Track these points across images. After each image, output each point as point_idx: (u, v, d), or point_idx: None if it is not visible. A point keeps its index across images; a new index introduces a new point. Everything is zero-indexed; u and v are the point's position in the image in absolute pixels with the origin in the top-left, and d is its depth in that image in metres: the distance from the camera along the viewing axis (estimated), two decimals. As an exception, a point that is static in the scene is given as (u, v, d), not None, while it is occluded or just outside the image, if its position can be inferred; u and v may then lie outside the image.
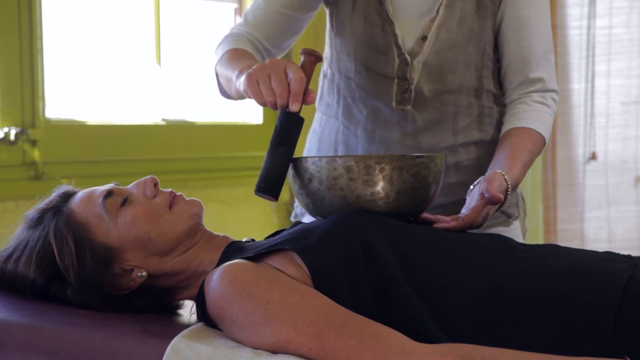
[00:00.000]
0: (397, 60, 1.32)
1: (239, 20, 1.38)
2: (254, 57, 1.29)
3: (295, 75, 1.04)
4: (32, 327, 0.99)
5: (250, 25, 1.35)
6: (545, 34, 1.36)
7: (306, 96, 1.06)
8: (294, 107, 1.05)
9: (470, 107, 1.35)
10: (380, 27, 1.32)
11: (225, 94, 1.32)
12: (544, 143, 1.33)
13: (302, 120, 1.08)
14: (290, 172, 1.12)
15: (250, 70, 1.07)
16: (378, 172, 1.06)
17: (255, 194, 1.09)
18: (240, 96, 1.21)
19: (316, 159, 1.08)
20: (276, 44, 1.37)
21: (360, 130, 1.37)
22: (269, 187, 1.07)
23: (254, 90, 1.06)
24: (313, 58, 1.09)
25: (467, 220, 1.12)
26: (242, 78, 1.08)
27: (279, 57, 1.39)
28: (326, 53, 1.43)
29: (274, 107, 1.07)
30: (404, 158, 1.07)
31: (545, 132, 1.33)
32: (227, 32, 1.37)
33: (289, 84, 1.05)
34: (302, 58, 1.11)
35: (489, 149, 1.35)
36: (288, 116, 1.07)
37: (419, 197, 1.10)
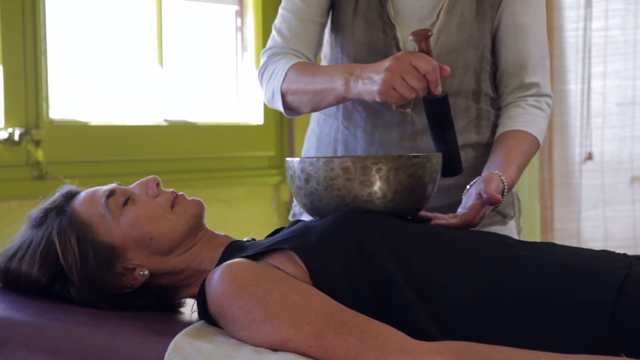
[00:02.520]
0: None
1: (274, 37, 1.36)
2: (322, 65, 1.31)
3: (428, 67, 1.11)
4: (35, 325, 1.00)
5: (289, 40, 1.34)
6: (542, 40, 1.36)
7: (442, 71, 1.13)
8: (437, 91, 1.13)
9: (469, 109, 1.36)
10: (382, 30, 1.33)
11: (290, 111, 1.31)
12: (538, 146, 1.34)
13: (447, 98, 1.17)
14: (288, 172, 1.13)
15: (379, 81, 1.12)
16: (375, 172, 1.07)
17: (444, 176, 1.18)
18: (334, 104, 1.26)
19: (314, 159, 1.08)
20: (314, 53, 1.37)
21: (360, 132, 1.38)
22: (458, 168, 1.20)
23: (394, 97, 1.12)
24: (426, 37, 1.15)
25: (465, 219, 1.13)
26: (373, 90, 1.13)
27: None
28: (326, 52, 1.43)
29: (413, 99, 1.14)
30: (401, 158, 1.08)
31: (540, 136, 1.34)
32: (264, 55, 1.35)
33: (423, 76, 1.11)
34: (415, 45, 1.16)
35: (485, 151, 1.36)
36: (436, 102, 1.16)
37: (416, 197, 1.10)
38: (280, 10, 1.37)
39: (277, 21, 1.37)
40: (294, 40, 1.34)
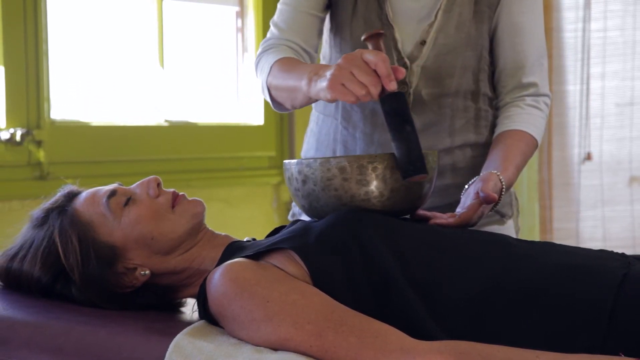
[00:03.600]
0: (396, 64, 1.32)
1: (271, 30, 1.36)
2: (304, 62, 1.27)
3: (377, 59, 1.03)
4: (37, 325, 1.00)
5: (284, 32, 1.34)
6: (539, 40, 1.36)
7: (395, 72, 1.04)
8: (391, 86, 1.03)
9: (467, 109, 1.36)
10: (380, 31, 1.34)
11: (278, 106, 1.30)
12: (537, 146, 1.34)
13: (404, 94, 1.07)
14: (286, 174, 1.13)
15: (328, 76, 1.05)
16: (371, 171, 1.07)
17: (406, 180, 1.07)
18: (306, 103, 1.21)
19: (310, 160, 1.09)
20: (312, 45, 1.36)
21: (359, 132, 1.38)
22: (418, 166, 1.07)
23: (343, 93, 1.04)
24: (377, 36, 1.09)
25: (463, 218, 1.13)
26: (323, 85, 1.06)
27: (313, 59, 1.37)
28: (325, 53, 1.43)
29: (369, 98, 1.04)
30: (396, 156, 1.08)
31: (538, 135, 1.34)
32: (261, 46, 1.36)
33: (374, 71, 1.03)
34: (369, 44, 1.10)
35: (484, 151, 1.36)
36: (392, 97, 1.06)
37: (413, 195, 1.10)
38: (278, 6, 1.38)
39: (275, 15, 1.38)
40: (290, 32, 1.34)
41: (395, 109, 1.06)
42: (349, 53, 1.06)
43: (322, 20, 1.37)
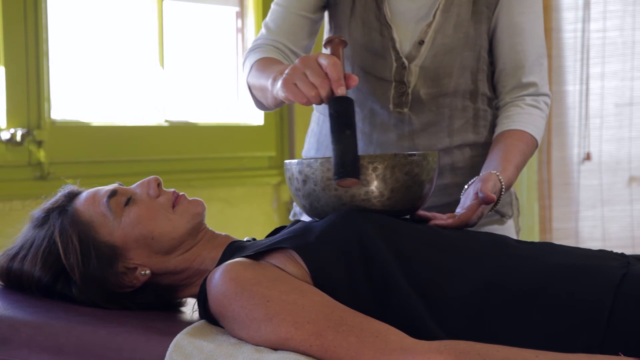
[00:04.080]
0: (394, 64, 1.33)
1: (261, 30, 1.38)
2: (282, 62, 1.28)
3: (328, 62, 1.03)
4: (37, 324, 1.00)
5: (273, 32, 1.36)
6: (539, 40, 1.37)
7: (347, 79, 1.05)
8: (339, 91, 1.04)
9: (466, 109, 1.36)
10: (378, 32, 1.33)
11: (260, 105, 1.32)
12: (537, 145, 1.34)
13: (352, 100, 1.06)
14: (287, 174, 1.13)
15: (283, 75, 1.07)
16: (371, 171, 1.07)
17: (337, 183, 1.07)
18: (277, 104, 1.21)
19: (311, 160, 1.09)
20: (301, 47, 1.37)
21: (358, 132, 1.38)
22: (350, 170, 1.05)
23: (294, 92, 1.05)
24: (337, 41, 1.09)
25: (463, 219, 1.13)
26: (279, 85, 1.07)
27: None
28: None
29: (319, 101, 1.05)
30: (396, 157, 1.08)
31: (538, 135, 1.34)
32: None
33: (326, 74, 1.04)
34: (328, 48, 1.10)
35: (483, 150, 1.36)
36: (338, 101, 1.05)
37: (413, 195, 1.11)
38: (272, 6, 1.39)
39: (267, 16, 1.39)
40: (278, 32, 1.35)
41: (339, 112, 1.06)
42: (306, 55, 1.08)
43: (314, 22, 1.38)
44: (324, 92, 1.04)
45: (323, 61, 1.04)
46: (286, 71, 1.06)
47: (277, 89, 1.08)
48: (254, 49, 1.35)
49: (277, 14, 1.36)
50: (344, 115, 1.06)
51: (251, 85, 1.28)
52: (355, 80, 1.05)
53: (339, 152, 1.05)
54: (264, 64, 1.26)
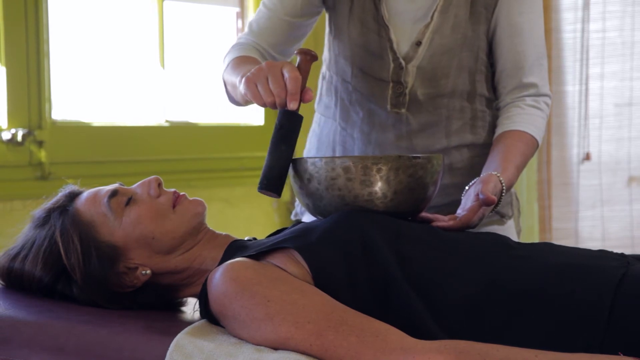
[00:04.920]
0: (392, 65, 1.33)
1: (245, 30, 1.40)
2: (259, 62, 1.29)
3: (290, 75, 1.06)
4: (38, 324, 1.00)
5: (255, 34, 1.37)
6: (539, 40, 1.37)
7: (304, 94, 1.08)
8: (291, 105, 1.07)
9: (463, 110, 1.37)
10: (376, 32, 1.34)
11: (233, 100, 1.34)
12: (537, 146, 1.34)
13: (300, 118, 1.10)
14: (291, 172, 1.13)
15: (248, 74, 1.09)
16: (375, 172, 1.07)
17: (259, 191, 1.11)
18: (246, 101, 1.23)
19: (316, 159, 1.09)
20: (281, 51, 1.39)
21: (357, 132, 1.39)
22: (272, 184, 1.10)
23: (253, 92, 1.08)
24: (308, 57, 1.11)
25: (464, 221, 1.13)
26: (242, 81, 1.10)
27: None
28: (325, 55, 1.44)
29: (274, 107, 1.08)
30: (401, 159, 1.08)
31: (538, 135, 1.34)
32: (233, 41, 1.40)
33: (285, 84, 1.06)
34: (297, 58, 1.12)
35: (481, 151, 1.36)
36: (286, 114, 1.09)
37: (416, 197, 1.11)
38: (260, 6, 1.40)
39: (255, 15, 1.40)
40: (260, 35, 1.37)
41: (283, 126, 1.10)
42: (277, 61, 1.11)
43: (299, 27, 1.38)
44: (279, 101, 1.07)
45: (286, 72, 1.07)
46: (251, 70, 1.09)
47: (241, 85, 1.11)
48: (235, 45, 1.37)
49: (262, 16, 1.37)
50: (287, 130, 1.09)
51: (225, 81, 1.31)
52: (310, 96, 1.09)
53: (267, 164, 1.10)
54: (240, 62, 1.28)
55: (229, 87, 1.30)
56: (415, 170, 1.09)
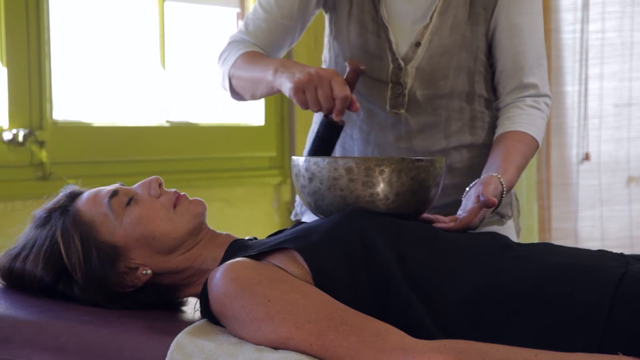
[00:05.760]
0: (391, 65, 1.34)
1: (240, 27, 1.41)
2: (268, 57, 1.34)
3: (340, 94, 1.14)
4: (39, 324, 1.00)
5: (250, 34, 1.38)
6: (538, 41, 1.37)
7: (350, 106, 1.16)
8: (337, 119, 1.17)
9: (462, 111, 1.37)
10: (375, 33, 1.34)
11: (238, 96, 1.37)
12: (537, 146, 1.34)
13: (341, 127, 1.19)
14: (293, 170, 1.14)
15: (295, 79, 1.15)
16: (377, 174, 1.08)
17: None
18: (267, 94, 1.29)
19: (319, 159, 1.10)
20: (273, 53, 1.40)
21: (356, 133, 1.39)
22: None
23: (300, 98, 1.16)
24: (358, 72, 1.18)
25: (465, 222, 1.14)
26: (288, 85, 1.16)
27: None
28: (325, 56, 1.44)
29: (317, 112, 1.18)
30: (404, 161, 1.09)
31: (538, 136, 1.34)
32: (228, 39, 1.41)
33: (334, 99, 1.14)
34: (347, 69, 1.19)
35: (480, 152, 1.37)
36: (328, 125, 1.18)
37: (417, 200, 1.11)
38: (255, 3, 1.41)
39: (250, 12, 1.41)
40: (255, 35, 1.38)
41: (324, 137, 1.20)
42: (324, 69, 1.16)
43: (293, 30, 1.40)
44: (325, 112, 1.17)
45: (336, 89, 1.14)
46: (298, 75, 1.15)
47: (284, 84, 1.18)
48: (233, 42, 1.38)
49: (258, 17, 1.38)
50: (328, 141, 1.20)
51: (236, 76, 1.33)
52: (357, 107, 1.17)
53: None
54: (253, 57, 1.31)
55: (240, 82, 1.33)
56: (418, 172, 1.09)
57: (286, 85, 1.17)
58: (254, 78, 1.27)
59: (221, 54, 1.39)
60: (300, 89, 1.15)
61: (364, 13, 1.34)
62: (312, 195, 1.11)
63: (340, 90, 1.14)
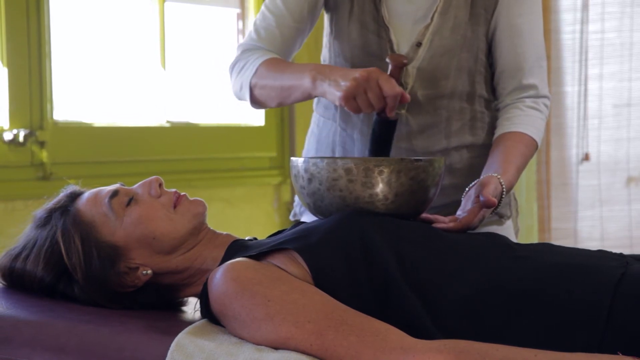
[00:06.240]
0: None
1: (251, 35, 1.39)
2: (293, 63, 1.34)
3: (391, 92, 1.16)
4: (39, 324, 1.00)
5: (264, 40, 1.36)
6: (538, 42, 1.37)
7: (402, 98, 1.18)
8: (391, 115, 1.20)
9: (463, 111, 1.37)
10: (376, 33, 1.34)
11: (260, 104, 1.35)
12: (537, 147, 1.35)
13: (396, 122, 1.22)
14: (292, 171, 1.14)
15: (343, 88, 1.17)
16: (377, 174, 1.08)
17: None
18: (299, 101, 1.30)
19: (318, 159, 1.10)
20: (287, 57, 1.39)
21: (357, 133, 1.39)
22: None
23: (352, 106, 1.18)
24: (401, 66, 1.20)
25: (464, 222, 1.14)
26: (337, 95, 1.18)
27: None
28: (324, 56, 1.44)
29: (370, 113, 1.21)
30: (403, 161, 1.09)
31: (538, 137, 1.34)
32: (239, 48, 1.39)
33: (385, 97, 1.16)
34: (389, 66, 1.20)
35: (480, 152, 1.37)
36: (383, 123, 1.21)
37: (417, 200, 1.11)
38: (262, 8, 1.40)
39: (258, 18, 1.39)
40: (268, 41, 1.37)
41: (384, 134, 1.22)
42: (367, 70, 1.18)
43: (302, 31, 1.39)
44: (377, 111, 1.20)
45: (385, 88, 1.16)
46: (344, 83, 1.17)
47: (328, 93, 1.20)
48: (246, 51, 1.37)
49: (268, 22, 1.37)
50: (387, 138, 1.23)
51: (260, 85, 1.31)
52: (407, 99, 1.19)
53: None
54: (278, 65, 1.31)
55: (267, 91, 1.31)
56: (417, 173, 1.09)
57: (334, 95, 1.18)
58: (284, 86, 1.27)
59: (235, 64, 1.37)
60: (350, 97, 1.16)
61: (365, 13, 1.34)
62: (312, 196, 1.11)
63: (390, 89, 1.15)
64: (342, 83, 1.17)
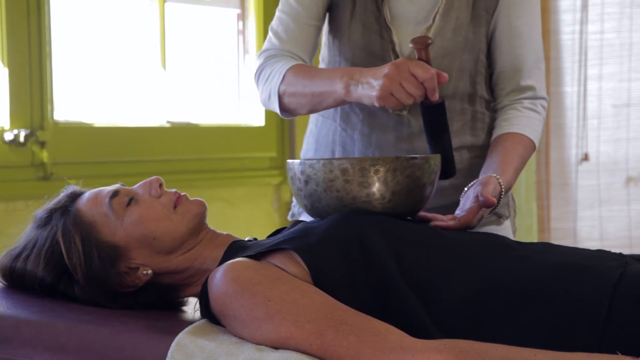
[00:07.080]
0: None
1: (271, 40, 1.36)
2: (320, 68, 1.32)
3: (426, 76, 1.13)
4: (40, 323, 1.00)
5: (286, 42, 1.34)
6: (537, 43, 1.37)
7: (440, 78, 1.15)
8: (435, 98, 1.16)
9: (464, 112, 1.37)
10: (378, 34, 1.34)
11: (289, 112, 1.32)
12: (534, 148, 1.35)
13: (444, 104, 1.19)
14: (289, 173, 1.14)
15: (378, 87, 1.13)
16: (373, 174, 1.08)
17: (440, 179, 1.18)
18: (332, 107, 1.28)
19: (313, 161, 1.10)
20: (311, 56, 1.38)
21: (357, 134, 1.39)
22: (452, 170, 1.22)
23: (391, 103, 1.14)
24: (427, 45, 1.16)
25: (463, 221, 1.14)
26: (372, 95, 1.15)
27: None
28: (324, 55, 1.44)
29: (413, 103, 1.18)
30: (398, 160, 1.09)
31: (535, 138, 1.34)
32: (262, 55, 1.36)
33: (421, 83, 1.13)
34: (416, 51, 1.17)
35: (481, 153, 1.37)
36: (431, 108, 1.18)
37: (414, 198, 1.11)
38: (277, 13, 1.38)
39: (274, 23, 1.38)
40: (291, 43, 1.35)
41: (436, 118, 1.19)
42: (395, 63, 1.15)
43: (320, 29, 1.38)
44: (419, 99, 1.15)
45: (419, 73, 1.13)
46: (376, 82, 1.14)
47: (364, 95, 1.16)
48: (271, 57, 1.34)
49: (287, 24, 1.35)
50: (440, 120, 1.20)
51: (289, 93, 1.28)
52: (445, 77, 1.16)
53: (443, 156, 1.18)
54: (307, 71, 1.28)
55: (297, 98, 1.28)
56: (413, 171, 1.09)
57: (370, 97, 1.15)
58: (315, 93, 1.24)
59: (260, 72, 1.35)
60: (387, 95, 1.13)
61: (367, 14, 1.34)
62: (309, 197, 1.11)
63: (424, 72, 1.13)
64: (375, 83, 1.14)
